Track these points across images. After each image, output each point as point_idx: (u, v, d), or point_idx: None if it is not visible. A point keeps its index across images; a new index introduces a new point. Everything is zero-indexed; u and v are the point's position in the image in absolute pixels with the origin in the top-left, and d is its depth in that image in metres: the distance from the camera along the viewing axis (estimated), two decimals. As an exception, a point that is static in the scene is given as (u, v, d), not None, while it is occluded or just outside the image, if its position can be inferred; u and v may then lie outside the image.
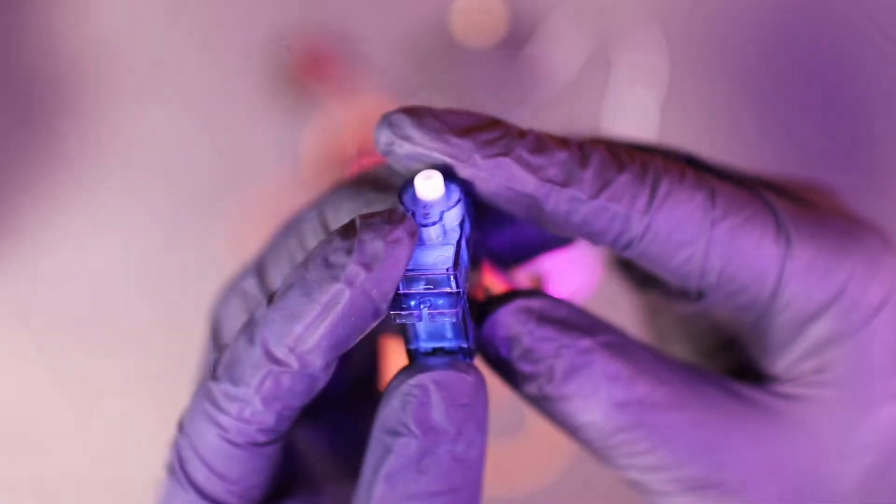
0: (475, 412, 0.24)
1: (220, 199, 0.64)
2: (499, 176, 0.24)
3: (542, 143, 0.24)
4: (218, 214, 0.64)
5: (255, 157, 0.64)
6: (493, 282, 0.28)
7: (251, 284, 0.27)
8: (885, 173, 0.63)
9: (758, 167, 0.30)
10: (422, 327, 0.25)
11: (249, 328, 0.24)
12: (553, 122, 0.64)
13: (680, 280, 0.26)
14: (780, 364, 0.26)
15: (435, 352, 0.25)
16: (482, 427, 0.24)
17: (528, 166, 0.24)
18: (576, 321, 0.25)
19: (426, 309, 0.24)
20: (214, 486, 0.24)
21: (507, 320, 0.25)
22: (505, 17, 0.65)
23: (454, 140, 0.24)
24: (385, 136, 0.24)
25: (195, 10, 0.65)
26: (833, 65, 0.63)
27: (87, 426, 0.63)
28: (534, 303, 0.25)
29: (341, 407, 0.29)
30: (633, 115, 0.64)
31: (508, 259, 0.29)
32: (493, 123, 0.24)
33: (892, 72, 0.63)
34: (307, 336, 0.23)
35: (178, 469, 0.25)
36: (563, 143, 0.25)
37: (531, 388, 0.25)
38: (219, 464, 0.24)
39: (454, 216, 0.24)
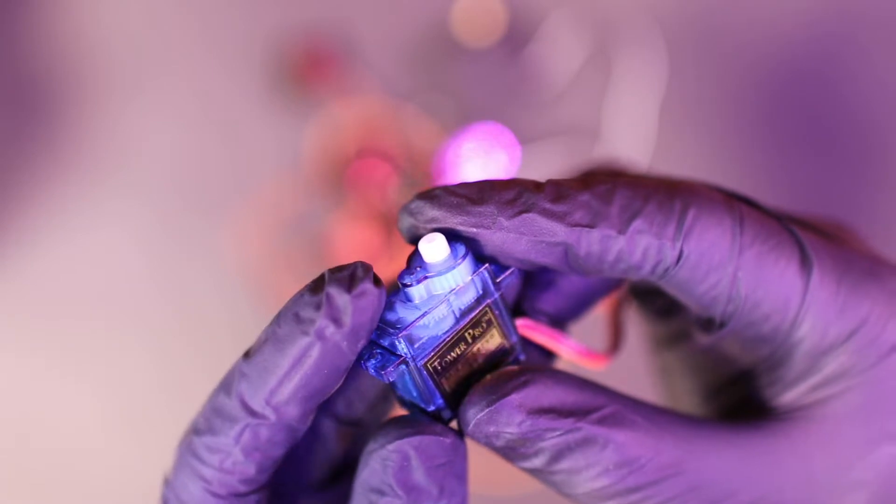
0: (454, 467, 0.24)
1: (221, 198, 0.64)
2: (527, 232, 0.24)
3: (560, 190, 0.24)
4: (219, 213, 0.64)
5: (255, 156, 0.64)
6: (534, 336, 0.27)
7: None
8: (886, 173, 0.63)
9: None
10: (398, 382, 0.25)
11: (227, 382, 0.24)
12: (553, 122, 0.64)
13: (705, 307, 0.26)
14: (789, 396, 0.26)
15: (415, 406, 0.25)
16: (462, 478, 0.24)
17: (552, 216, 0.24)
18: (568, 403, 0.24)
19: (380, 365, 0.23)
20: None
21: (496, 418, 0.24)
22: (505, 17, 0.65)
23: (475, 209, 0.24)
24: (408, 224, 0.25)
25: (195, 10, 0.65)
26: (831, 67, 0.63)
27: (89, 426, 0.63)
28: (521, 396, 0.24)
29: (317, 491, 0.29)
30: (633, 115, 0.64)
31: (563, 316, 0.28)
32: (508, 183, 0.24)
33: (888, 75, 0.63)
34: (281, 389, 0.23)
35: None
36: (583, 183, 0.24)
37: (525, 464, 0.25)
38: None
39: (446, 281, 0.24)
